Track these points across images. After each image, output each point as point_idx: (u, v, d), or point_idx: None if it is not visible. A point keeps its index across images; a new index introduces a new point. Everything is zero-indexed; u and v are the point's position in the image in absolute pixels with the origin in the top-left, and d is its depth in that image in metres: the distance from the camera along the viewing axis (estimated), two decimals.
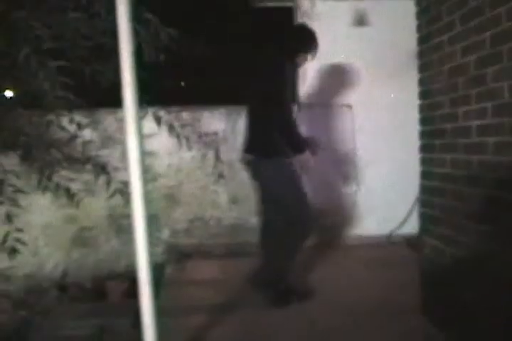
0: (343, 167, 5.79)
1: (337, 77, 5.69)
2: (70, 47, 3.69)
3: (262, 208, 4.16)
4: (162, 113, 4.59)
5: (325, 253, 5.31)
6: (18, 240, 3.78)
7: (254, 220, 5.53)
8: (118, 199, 4.15)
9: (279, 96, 3.76)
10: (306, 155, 3.88)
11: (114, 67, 2.91)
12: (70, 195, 4.30)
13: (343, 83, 5.70)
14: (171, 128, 4.57)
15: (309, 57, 4.09)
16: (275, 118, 3.79)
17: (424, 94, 3.39)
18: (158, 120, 4.40)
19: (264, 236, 4.10)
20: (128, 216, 2.51)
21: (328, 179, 5.68)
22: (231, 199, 5.62)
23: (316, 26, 4.98)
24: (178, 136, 4.62)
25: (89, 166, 4.44)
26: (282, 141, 3.82)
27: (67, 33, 3.59)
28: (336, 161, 5.75)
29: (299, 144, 3.88)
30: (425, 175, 3.37)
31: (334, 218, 5.78)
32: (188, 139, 4.77)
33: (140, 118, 2.32)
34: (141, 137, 2.31)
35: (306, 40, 4.05)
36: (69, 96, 3.57)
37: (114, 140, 5.30)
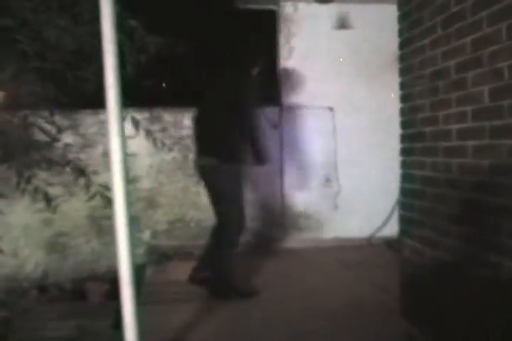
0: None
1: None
2: (53, 50, 3.67)
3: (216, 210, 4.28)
4: (141, 116, 4.59)
5: (305, 255, 5.34)
6: None
7: None
8: (99, 201, 4.14)
9: (243, 103, 3.92)
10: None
11: (96, 70, 2.90)
12: (47, 199, 4.23)
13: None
14: (148, 133, 4.57)
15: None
16: (242, 126, 3.93)
17: (405, 98, 3.40)
18: (136, 124, 4.33)
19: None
20: (109, 217, 2.50)
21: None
22: None
23: (299, 29, 5.02)
24: (154, 141, 4.65)
25: (68, 168, 4.40)
26: (247, 150, 3.99)
27: (51, 36, 3.57)
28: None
29: (264, 156, 4.05)
30: (405, 177, 3.40)
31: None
32: (164, 144, 4.82)
33: (122, 120, 2.31)
34: (124, 139, 2.31)
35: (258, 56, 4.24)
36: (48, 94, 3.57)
37: (95, 142, 5.28)
